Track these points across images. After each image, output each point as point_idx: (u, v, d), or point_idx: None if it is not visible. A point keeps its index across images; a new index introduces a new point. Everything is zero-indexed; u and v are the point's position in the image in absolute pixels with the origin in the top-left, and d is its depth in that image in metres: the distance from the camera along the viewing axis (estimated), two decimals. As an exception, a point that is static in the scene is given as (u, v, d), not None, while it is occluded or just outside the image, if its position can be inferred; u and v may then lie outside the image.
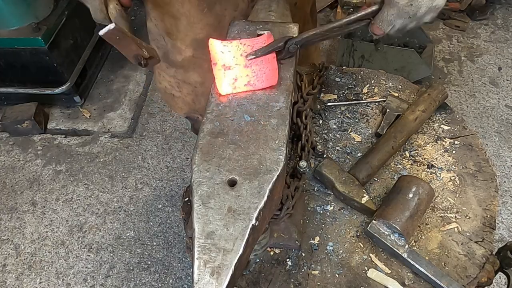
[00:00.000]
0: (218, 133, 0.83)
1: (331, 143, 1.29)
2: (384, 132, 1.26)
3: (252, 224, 0.71)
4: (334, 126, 1.33)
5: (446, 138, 1.29)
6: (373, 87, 1.43)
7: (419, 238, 1.09)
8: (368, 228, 1.06)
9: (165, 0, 1.21)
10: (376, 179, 1.20)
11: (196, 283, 0.66)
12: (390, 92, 1.41)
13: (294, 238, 1.06)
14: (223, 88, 0.89)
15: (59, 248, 2.22)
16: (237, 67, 0.89)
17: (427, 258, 1.04)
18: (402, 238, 1.03)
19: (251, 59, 0.90)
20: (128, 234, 2.25)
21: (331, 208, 1.15)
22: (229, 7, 1.23)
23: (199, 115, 1.55)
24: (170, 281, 2.08)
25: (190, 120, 1.64)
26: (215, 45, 0.90)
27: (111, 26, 0.84)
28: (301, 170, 1.00)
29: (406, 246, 1.03)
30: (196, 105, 1.49)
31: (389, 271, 1.03)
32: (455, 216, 1.12)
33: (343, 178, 1.14)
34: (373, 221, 1.06)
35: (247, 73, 0.89)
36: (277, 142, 0.81)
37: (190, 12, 1.21)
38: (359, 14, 0.92)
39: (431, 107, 1.29)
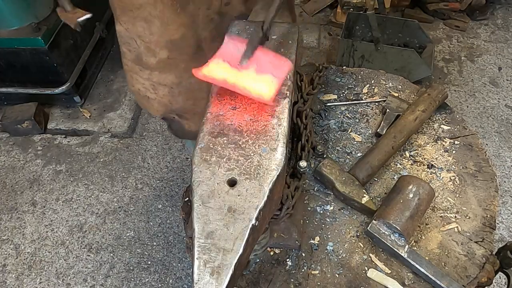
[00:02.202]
0: (218, 133, 0.83)
1: (331, 143, 1.29)
2: (384, 132, 1.26)
3: (252, 224, 0.71)
4: (334, 126, 1.33)
5: (446, 138, 1.29)
6: (373, 87, 1.43)
7: (419, 238, 1.09)
8: (368, 228, 1.06)
9: (135, 5, 1.16)
10: (376, 179, 1.20)
11: (196, 283, 0.66)
12: (390, 92, 1.41)
13: (294, 238, 1.06)
14: (268, 97, 0.85)
15: (59, 248, 2.21)
16: (245, 75, 0.88)
17: (427, 258, 1.04)
18: (402, 238, 1.03)
19: (246, 63, 0.89)
20: (128, 234, 2.25)
21: (331, 208, 1.15)
22: (202, 6, 1.21)
23: (175, 115, 1.50)
24: (170, 281, 2.08)
25: (166, 120, 1.59)
26: (209, 75, 0.88)
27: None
28: (301, 170, 1.00)
29: (406, 246, 1.03)
30: (173, 106, 1.45)
31: (389, 271, 1.03)
32: (455, 216, 1.12)
33: (343, 178, 1.14)
34: (373, 221, 1.06)
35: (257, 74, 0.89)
36: (277, 142, 0.81)
37: (163, 14, 1.18)
38: None
39: (431, 107, 1.29)
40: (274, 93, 0.85)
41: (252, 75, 0.87)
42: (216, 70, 0.88)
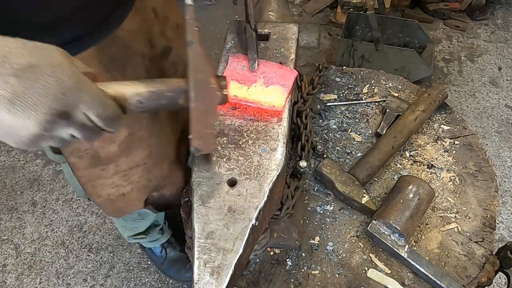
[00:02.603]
0: (218, 133, 0.83)
1: (331, 143, 1.29)
2: (384, 132, 1.26)
3: (252, 224, 0.71)
4: (334, 126, 1.33)
5: (446, 138, 1.29)
6: (373, 87, 1.43)
7: (419, 238, 1.09)
8: (368, 228, 1.06)
9: None
10: (376, 179, 1.20)
11: (196, 283, 0.66)
12: (390, 92, 1.41)
13: (294, 238, 1.06)
14: (279, 106, 0.87)
15: (59, 248, 2.21)
16: (257, 87, 0.89)
17: (427, 258, 1.04)
18: (402, 238, 1.03)
19: (257, 67, 0.90)
20: (128, 234, 2.25)
21: (331, 208, 1.15)
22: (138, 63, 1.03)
23: (153, 192, 1.29)
24: (170, 281, 2.08)
25: (147, 206, 1.33)
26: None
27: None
28: (301, 170, 1.00)
29: (406, 246, 1.03)
30: (153, 183, 1.25)
31: (389, 271, 1.03)
32: (455, 216, 1.12)
33: (343, 178, 1.14)
34: (373, 221, 1.06)
35: (262, 87, 0.90)
36: (277, 142, 0.81)
37: None
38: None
39: (431, 107, 1.29)
40: (285, 101, 0.87)
41: (261, 88, 0.89)
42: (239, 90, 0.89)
